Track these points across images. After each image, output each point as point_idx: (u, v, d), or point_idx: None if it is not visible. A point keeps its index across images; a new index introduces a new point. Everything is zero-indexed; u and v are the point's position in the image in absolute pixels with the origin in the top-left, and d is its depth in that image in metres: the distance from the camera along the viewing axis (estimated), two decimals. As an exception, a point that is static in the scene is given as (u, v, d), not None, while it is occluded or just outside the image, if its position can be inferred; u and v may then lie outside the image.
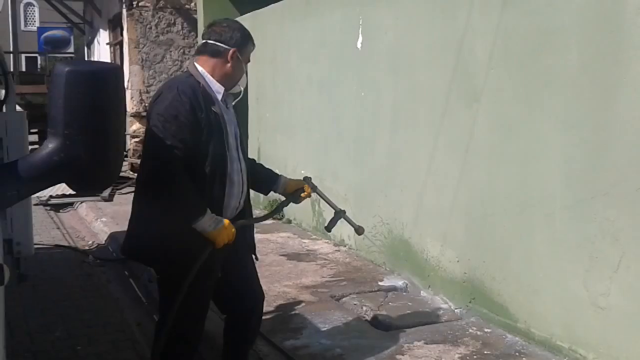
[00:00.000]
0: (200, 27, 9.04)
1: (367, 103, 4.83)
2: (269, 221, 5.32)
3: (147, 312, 4.07)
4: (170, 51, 9.08)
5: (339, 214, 2.78)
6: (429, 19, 4.06)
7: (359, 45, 4.90)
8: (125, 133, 7.24)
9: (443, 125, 3.93)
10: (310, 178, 2.80)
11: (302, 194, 2.75)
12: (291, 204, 2.83)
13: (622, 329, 2.82)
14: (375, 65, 4.69)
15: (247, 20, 7.40)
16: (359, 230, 2.84)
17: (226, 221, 2.35)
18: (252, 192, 2.67)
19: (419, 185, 4.17)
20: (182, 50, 9.38)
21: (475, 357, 3.09)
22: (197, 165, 2.31)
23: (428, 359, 3.06)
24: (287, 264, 4.76)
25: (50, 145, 1.34)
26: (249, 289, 2.67)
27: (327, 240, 5.36)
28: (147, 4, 8.89)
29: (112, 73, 1.40)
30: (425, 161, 4.10)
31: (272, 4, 6.94)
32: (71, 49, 20.56)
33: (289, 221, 6.17)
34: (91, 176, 1.40)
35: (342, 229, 4.78)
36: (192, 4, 9.22)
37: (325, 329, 3.49)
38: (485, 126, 3.60)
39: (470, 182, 3.72)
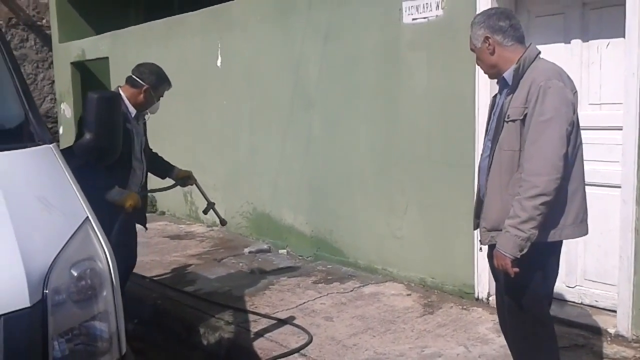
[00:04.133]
0: (55, 43, 9.52)
1: (228, 110, 6.08)
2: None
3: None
4: (24, 65, 9.42)
5: (210, 205, 3.92)
6: (274, 46, 5.43)
7: (219, 64, 6.13)
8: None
9: (289, 125, 5.34)
10: (192, 172, 3.92)
11: (189, 181, 3.89)
12: (169, 194, 3.91)
13: (410, 250, 4.42)
14: (234, 80, 5.96)
15: (106, 38, 8.22)
16: (222, 222, 4.03)
17: (132, 192, 3.39)
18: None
19: (274, 171, 5.53)
20: (35, 64, 9.75)
21: (322, 280, 4.52)
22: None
23: (291, 285, 4.43)
24: (171, 242, 5.84)
25: (87, 137, 2.43)
26: (135, 247, 3.73)
27: (200, 224, 6.50)
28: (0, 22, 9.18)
29: (117, 97, 2.53)
30: (277, 152, 5.47)
31: (131, 27, 7.85)
32: None
33: (163, 213, 7.17)
34: (107, 155, 2.51)
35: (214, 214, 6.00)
36: (44, 21, 9.66)
37: (213, 277, 4.71)
38: (319, 124, 5.06)
39: (311, 165, 5.16)
